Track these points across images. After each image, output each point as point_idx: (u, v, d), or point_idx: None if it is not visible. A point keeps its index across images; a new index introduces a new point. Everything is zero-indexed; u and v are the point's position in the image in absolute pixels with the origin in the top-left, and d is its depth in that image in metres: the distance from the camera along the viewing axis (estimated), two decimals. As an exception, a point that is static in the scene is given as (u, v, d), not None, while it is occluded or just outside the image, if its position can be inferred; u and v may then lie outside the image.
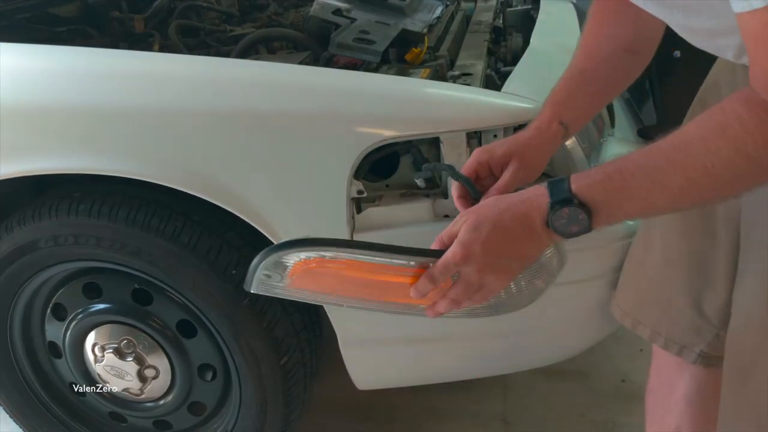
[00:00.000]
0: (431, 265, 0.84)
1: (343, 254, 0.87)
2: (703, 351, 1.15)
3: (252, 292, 0.92)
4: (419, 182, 1.23)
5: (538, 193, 0.80)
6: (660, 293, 1.16)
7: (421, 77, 1.38)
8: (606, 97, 1.11)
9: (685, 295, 1.13)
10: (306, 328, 1.44)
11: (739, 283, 1.01)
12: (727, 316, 1.04)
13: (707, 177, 0.71)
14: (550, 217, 0.78)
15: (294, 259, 0.88)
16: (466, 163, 1.01)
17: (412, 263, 0.87)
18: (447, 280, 0.85)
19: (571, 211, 0.77)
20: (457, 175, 1.00)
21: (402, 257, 0.87)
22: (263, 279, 0.91)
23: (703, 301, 1.12)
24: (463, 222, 0.82)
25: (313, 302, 1.03)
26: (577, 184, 0.77)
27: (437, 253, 0.83)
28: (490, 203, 0.84)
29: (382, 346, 1.39)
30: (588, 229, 0.78)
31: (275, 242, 1.25)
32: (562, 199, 0.77)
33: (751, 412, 0.96)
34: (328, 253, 0.87)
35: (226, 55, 1.64)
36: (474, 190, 0.98)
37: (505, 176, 0.97)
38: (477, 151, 1.02)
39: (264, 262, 0.89)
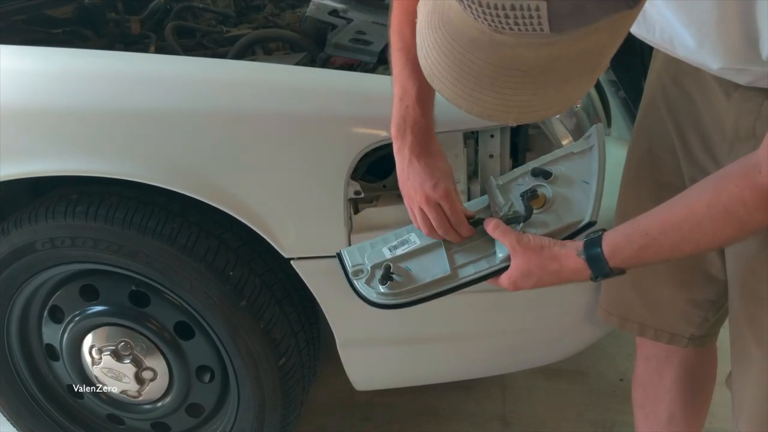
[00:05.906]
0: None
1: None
2: (693, 334, 1.17)
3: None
4: None
5: (581, 267, 0.92)
6: (644, 288, 1.18)
7: (418, 77, 1.38)
8: None
9: (674, 286, 1.15)
10: (304, 329, 1.44)
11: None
12: (722, 300, 1.10)
13: (713, 245, 0.90)
14: (594, 280, 0.94)
15: None
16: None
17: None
18: None
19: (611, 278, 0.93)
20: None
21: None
22: None
23: (696, 288, 1.14)
24: (515, 266, 0.97)
25: None
26: (614, 261, 0.90)
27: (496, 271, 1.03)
28: (537, 252, 0.96)
29: (380, 346, 1.39)
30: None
31: (273, 243, 1.26)
32: (605, 274, 0.91)
33: None
34: None
35: (223, 56, 1.64)
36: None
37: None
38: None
39: None
